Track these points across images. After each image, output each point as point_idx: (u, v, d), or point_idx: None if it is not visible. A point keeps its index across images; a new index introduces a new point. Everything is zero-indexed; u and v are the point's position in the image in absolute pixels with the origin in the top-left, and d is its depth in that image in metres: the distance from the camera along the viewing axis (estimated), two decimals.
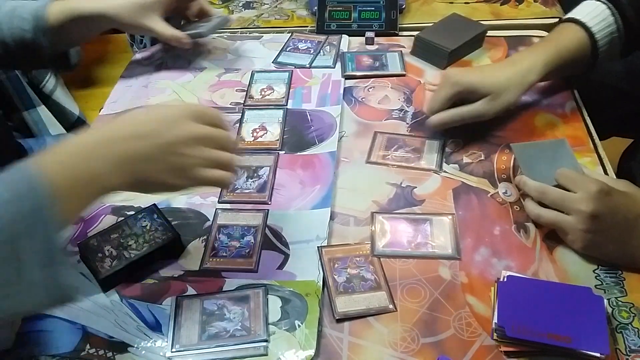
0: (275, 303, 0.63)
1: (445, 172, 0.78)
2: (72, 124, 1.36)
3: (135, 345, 0.60)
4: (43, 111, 1.36)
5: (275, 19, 1.15)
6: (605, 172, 0.77)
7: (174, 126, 0.57)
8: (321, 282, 0.64)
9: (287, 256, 0.68)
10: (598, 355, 0.55)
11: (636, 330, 0.59)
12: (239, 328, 0.60)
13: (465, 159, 0.80)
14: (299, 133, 0.86)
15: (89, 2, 0.89)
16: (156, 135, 0.56)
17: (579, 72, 0.85)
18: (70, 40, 0.92)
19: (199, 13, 1.01)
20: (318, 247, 0.68)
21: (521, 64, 0.80)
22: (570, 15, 0.84)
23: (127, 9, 0.90)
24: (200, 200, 0.76)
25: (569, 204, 0.64)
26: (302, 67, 0.99)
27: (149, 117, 0.58)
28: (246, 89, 0.95)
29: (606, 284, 0.63)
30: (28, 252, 0.46)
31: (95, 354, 0.59)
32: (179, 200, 0.76)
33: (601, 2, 0.82)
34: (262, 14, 1.17)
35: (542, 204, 0.68)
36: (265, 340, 0.59)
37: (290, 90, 0.94)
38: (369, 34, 1.04)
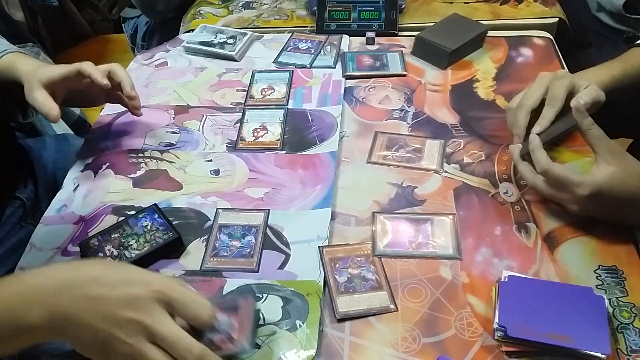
0: (276, 303, 0.63)
1: (446, 172, 0.78)
2: (72, 123, 1.36)
3: None
4: None
5: (275, 19, 1.15)
6: None
7: (132, 305, 0.47)
8: (322, 282, 0.64)
9: (288, 256, 0.68)
10: (599, 355, 0.55)
11: (637, 330, 0.59)
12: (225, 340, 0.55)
13: (466, 159, 0.80)
14: (300, 133, 0.86)
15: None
16: (105, 303, 0.47)
17: None
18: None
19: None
20: (319, 247, 0.68)
21: (584, 79, 0.77)
22: (638, 42, 0.86)
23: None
24: (201, 200, 0.76)
25: (570, 187, 0.65)
26: (303, 67, 0.99)
27: (112, 278, 0.49)
28: (247, 89, 0.95)
29: (607, 284, 0.63)
30: None
31: None
32: (180, 200, 0.76)
33: None
34: (262, 14, 1.17)
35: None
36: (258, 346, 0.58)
37: (291, 90, 0.94)
38: (370, 34, 1.04)
